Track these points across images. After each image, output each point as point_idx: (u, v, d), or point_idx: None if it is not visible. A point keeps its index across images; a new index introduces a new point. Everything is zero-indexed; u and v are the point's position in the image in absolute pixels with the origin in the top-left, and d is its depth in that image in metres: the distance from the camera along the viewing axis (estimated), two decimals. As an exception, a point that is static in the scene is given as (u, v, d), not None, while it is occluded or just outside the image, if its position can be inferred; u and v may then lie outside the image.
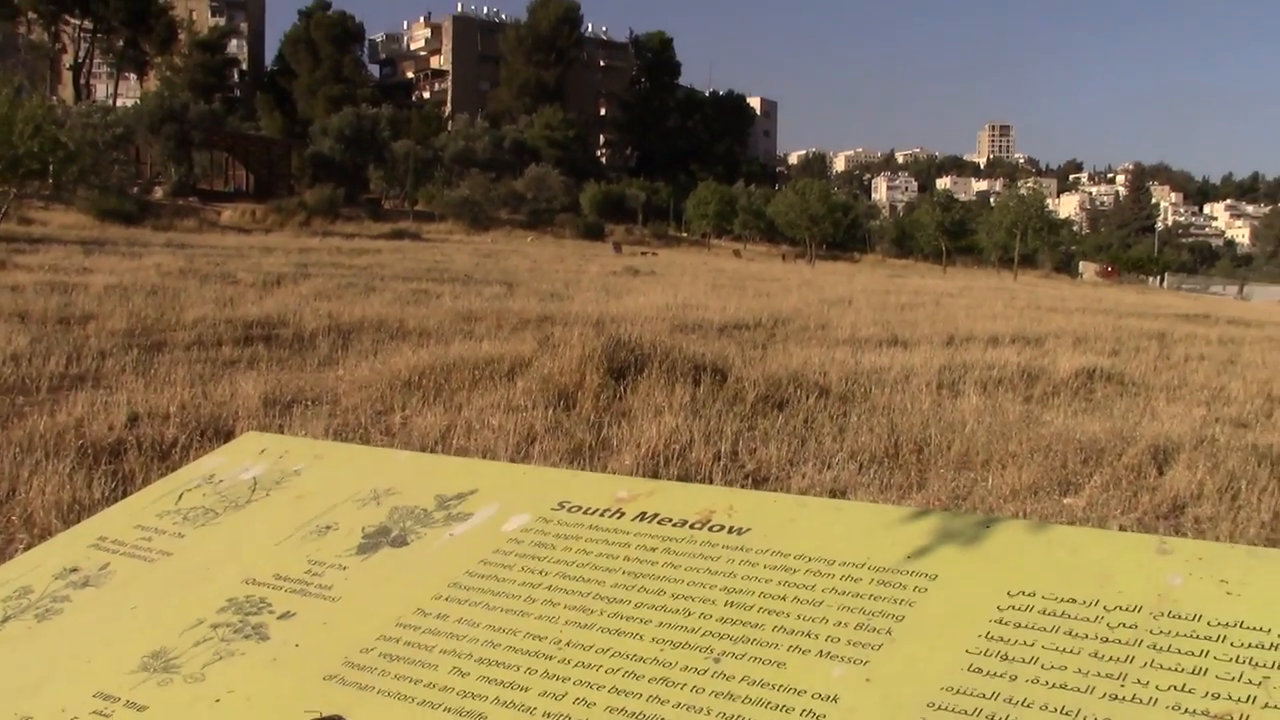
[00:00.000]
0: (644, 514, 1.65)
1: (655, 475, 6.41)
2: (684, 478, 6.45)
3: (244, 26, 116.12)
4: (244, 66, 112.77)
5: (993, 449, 7.36)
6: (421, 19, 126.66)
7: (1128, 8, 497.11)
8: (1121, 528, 5.83)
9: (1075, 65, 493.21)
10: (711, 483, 6.35)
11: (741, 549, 1.47)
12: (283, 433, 7.10)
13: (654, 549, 1.52)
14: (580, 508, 1.70)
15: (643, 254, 55.72)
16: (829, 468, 6.77)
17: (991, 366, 12.04)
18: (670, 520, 1.58)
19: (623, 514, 1.65)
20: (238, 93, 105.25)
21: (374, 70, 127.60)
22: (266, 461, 2.15)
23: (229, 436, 6.34)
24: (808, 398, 8.91)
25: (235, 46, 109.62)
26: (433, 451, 6.83)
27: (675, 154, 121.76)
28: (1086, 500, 6.38)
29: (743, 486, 6.35)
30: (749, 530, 1.51)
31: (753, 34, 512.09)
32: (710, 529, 1.56)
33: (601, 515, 1.68)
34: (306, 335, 11.97)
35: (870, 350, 13.51)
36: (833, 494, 6.28)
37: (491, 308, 15.72)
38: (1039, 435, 7.76)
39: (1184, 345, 17.34)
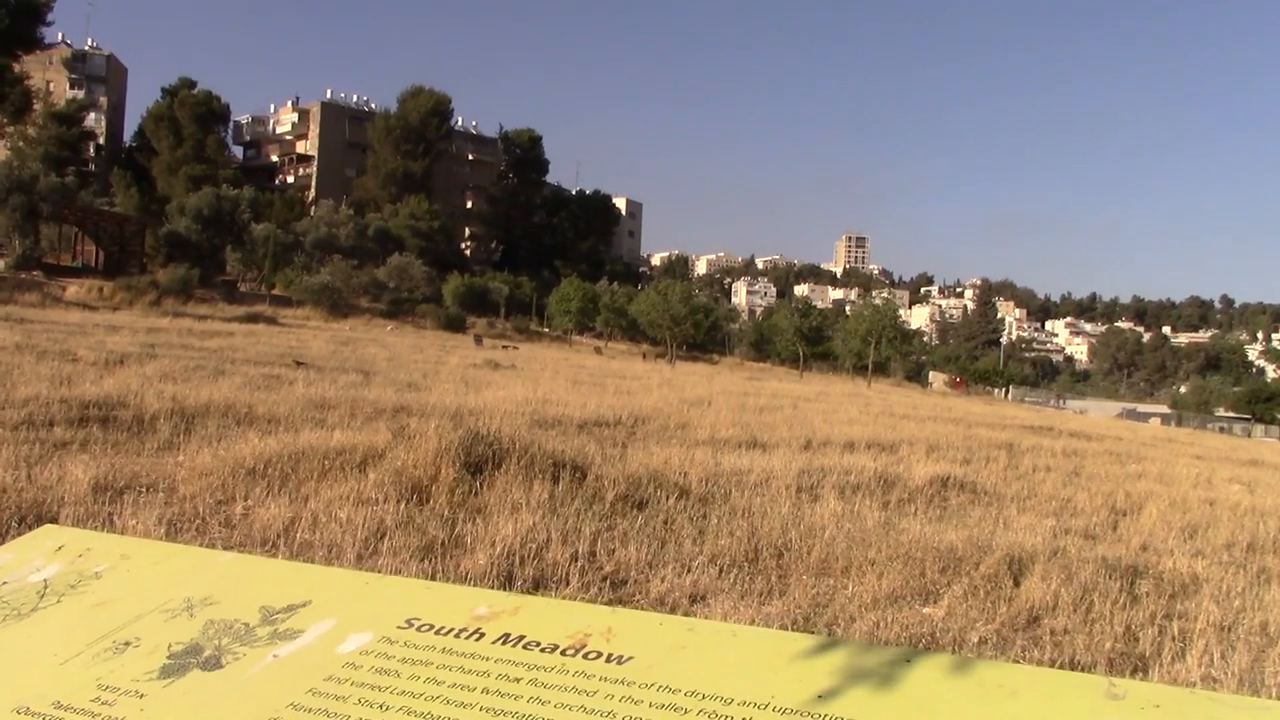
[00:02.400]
0: (507, 636, 1.37)
1: (510, 576, 6.15)
2: (540, 579, 6.21)
3: (104, 100, 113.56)
4: (101, 141, 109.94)
5: (853, 555, 7.29)
6: (289, 103, 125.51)
7: (981, 131, 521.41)
8: (982, 639, 5.77)
9: (929, 182, 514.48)
10: (568, 584, 6.11)
11: (622, 682, 1.24)
12: (113, 522, 6.65)
13: (518, 679, 1.27)
14: (432, 626, 1.42)
15: (504, 347, 55.43)
16: (689, 571, 6.59)
17: (849, 472, 12.08)
18: (538, 644, 1.33)
19: (482, 635, 1.39)
20: (93, 167, 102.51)
21: (237, 151, 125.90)
22: (62, 560, 1.79)
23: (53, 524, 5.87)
24: (668, 498, 8.76)
25: (93, 120, 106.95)
26: (274, 546, 6.46)
27: (540, 250, 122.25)
28: (946, 609, 6.33)
29: (600, 589, 6.13)
30: (631, 659, 1.28)
31: (621, 136, 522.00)
32: (585, 656, 1.31)
33: (457, 636, 1.40)
34: (147, 418, 11.36)
35: (730, 452, 13.46)
36: (692, 599, 6.10)
37: (346, 396, 15.26)
38: (898, 542, 7.72)
39: (1031, 456, 17.73)
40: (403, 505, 7.47)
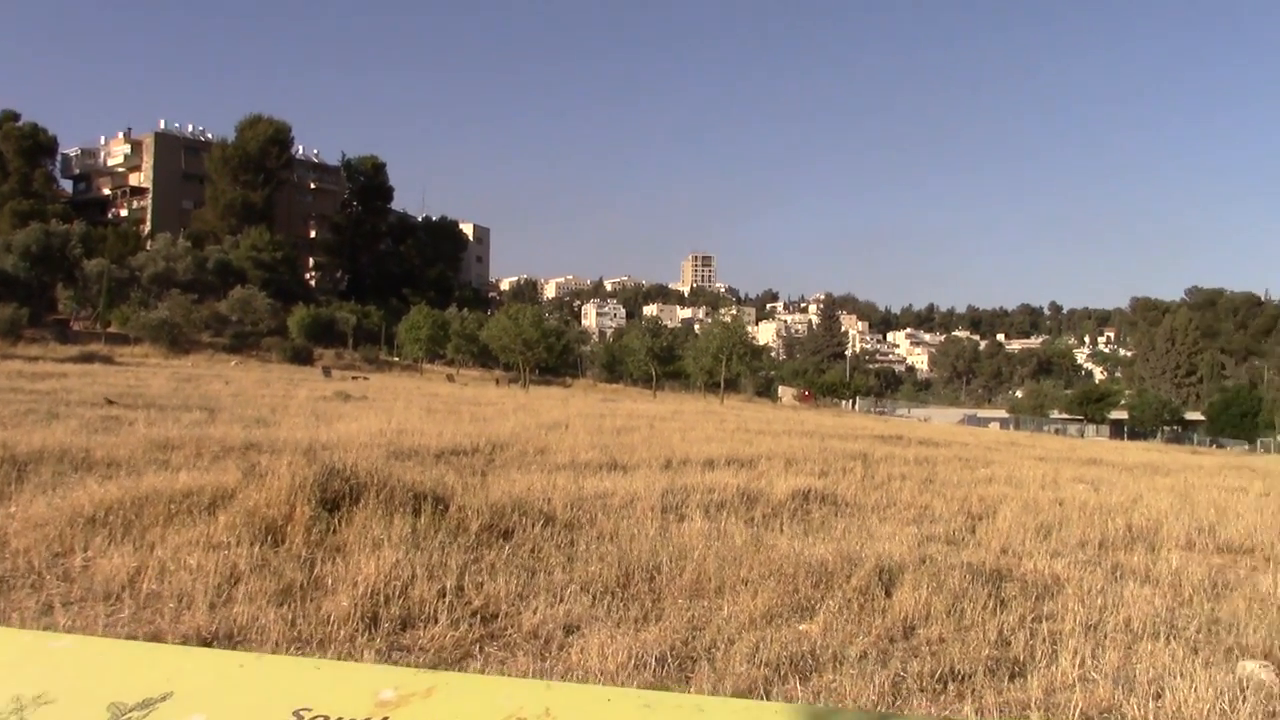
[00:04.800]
0: None
1: (375, 617, 5.87)
2: (406, 618, 5.95)
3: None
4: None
5: (725, 575, 7.21)
6: (121, 134, 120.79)
7: (819, 147, 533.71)
8: (863, 654, 5.72)
9: (771, 199, 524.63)
10: (436, 622, 5.86)
11: None
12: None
13: None
14: (325, 719, 1.16)
15: (354, 378, 54.34)
16: (561, 600, 6.42)
17: (712, 489, 12.06)
18: None
19: None
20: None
21: (67, 185, 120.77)
22: None
23: None
24: (533, 526, 8.57)
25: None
26: (118, 599, 6.04)
27: (387, 278, 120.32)
28: (823, 625, 6.27)
29: (471, 625, 5.90)
30: None
31: (466, 161, 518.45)
32: None
33: None
34: (-27, 468, 10.66)
35: (591, 475, 13.31)
36: (566, 630, 5.92)
37: (190, 435, 14.64)
38: (768, 559, 7.67)
39: (885, 465, 18.03)
40: (257, 548, 7.11)
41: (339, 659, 5.21)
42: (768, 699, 4.89)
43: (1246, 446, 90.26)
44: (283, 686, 1.23)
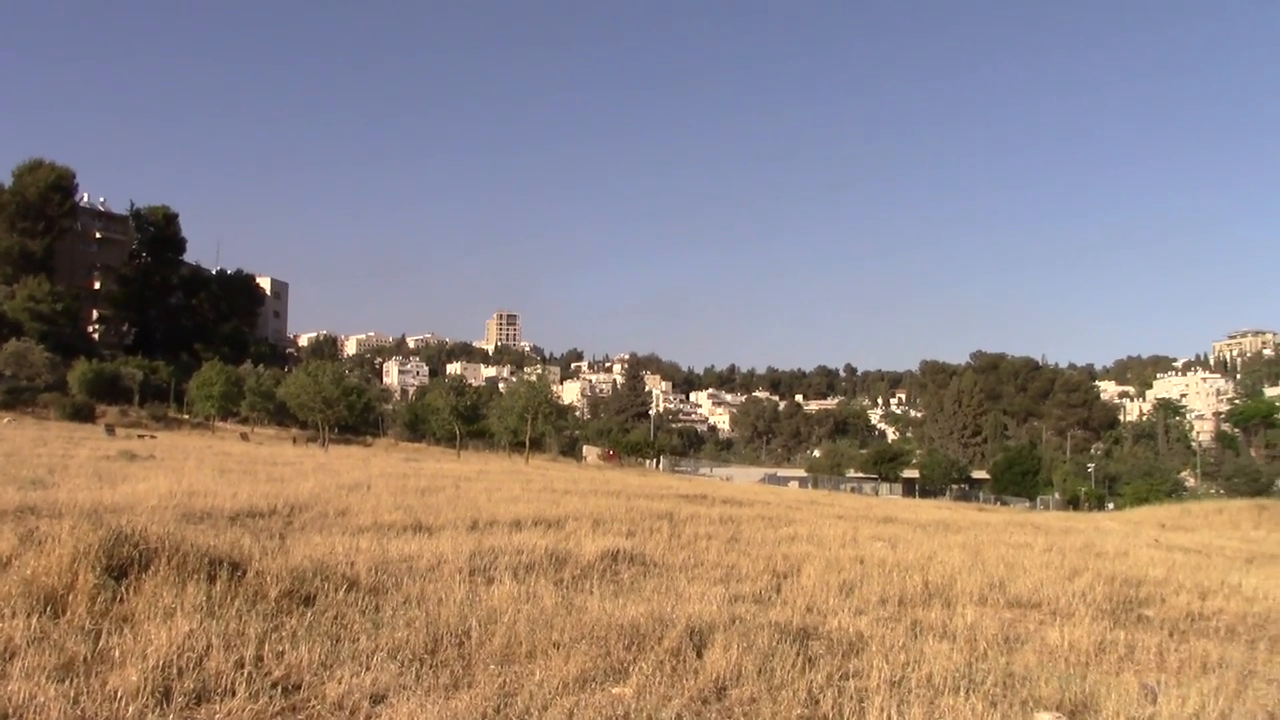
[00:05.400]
0: None
1: (168, 692, 5.53)
2: (202, 691, 5.62)
3: None
4: None
5: (536, 639, 7.10)
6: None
7: (621, 209, 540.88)
8: (678, 716, 5.68)
9: (576, 259, 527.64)
10: (234, 695, 5.56)
11: None
12: None
13: None
14: None
15: (140, 436, 52.01)
16: (367, 669, 6.19)
17: (520, 551, 11.95)
18: None
19: None
20: None
21: None
22: None
23: None
24: (336, 591, 8.29)
25: None
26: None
27: (178, 332, 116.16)
28: (636, 688, 6.22)
29: (271, 697, 5.62)
30: None
31: (264, 213, 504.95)
32: None
33: None
34: None
35: (396, 537, 13.01)
36: (373, 699, 5.70)
37: (-41, 497, 13.66)
38: (580, 622, 7.60)
39: (691, 525, 18.22)
40: (35, 619, 6.64)
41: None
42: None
43: (1028, 503, 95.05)
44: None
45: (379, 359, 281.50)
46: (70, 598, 7.12)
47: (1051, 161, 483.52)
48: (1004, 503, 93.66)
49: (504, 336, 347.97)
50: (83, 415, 69.31)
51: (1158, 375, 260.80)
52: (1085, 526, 32.61)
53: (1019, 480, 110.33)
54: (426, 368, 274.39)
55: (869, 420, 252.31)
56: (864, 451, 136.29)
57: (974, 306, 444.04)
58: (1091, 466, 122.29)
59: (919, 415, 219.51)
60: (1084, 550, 18.98)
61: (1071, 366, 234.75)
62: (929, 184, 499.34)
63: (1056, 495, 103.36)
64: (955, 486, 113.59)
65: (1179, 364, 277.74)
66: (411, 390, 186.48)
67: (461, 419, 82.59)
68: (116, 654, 6.09)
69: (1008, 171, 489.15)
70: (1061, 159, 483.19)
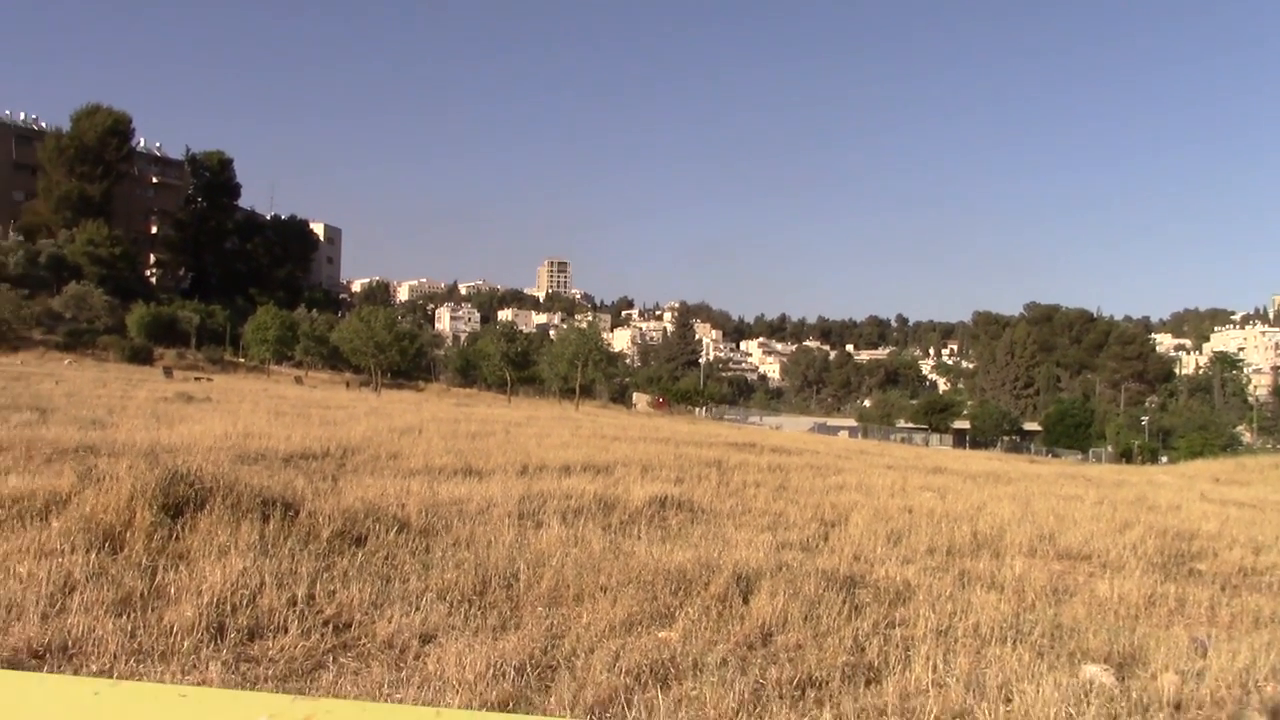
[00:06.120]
0: None
1: (221, 628, 5.63)
2: (255, 628, 5.72)
3: None
4: None
5: (584, 582, 7.14)
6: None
7: (674, 156, 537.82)
8: (723, 661, 5.71)
9: (628, 206, 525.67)
10: (286, 632, 5.65)
11: None
12: None
13: None
14: None
15: (197, 379, 52.74)
16: (417, 609, 6.26)
17: (569, 496, 12.00)
18: None
19: None
20: None
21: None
22: None
23: None
24: (387, 532, 8.38)
25: None
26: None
27: (233, 277, 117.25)
28: (682, 632, 6.25)
29: (323, 635, 5.71)
30: None
31: (317, 158, 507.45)
32: None
33: None
34: None
35: (446, 480, 13.12)
36: (423, 639, 5.77)
37: (20, 436, 13.94)
38: (627, 566, 7.64)
39: (739, 472, 18.22)
40: (94, 555, 6.77)
41: (185, 673, 4.98)
42: (629, 708, 4.85)
43: (1080, 456, 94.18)
44: (143, 717, 1.10)
45: (431, 305, 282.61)
46: (128, 535, 7.26)
47: (1109, 106, 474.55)
48: (1056, 455, 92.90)
49: (555, 284, 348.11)
50: (141, 358, 70.35)
51: (1215, 328, 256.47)
52: (1138, 480, 32.29)
53: (1071, 433, 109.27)
54: (478, 314, 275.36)
55: (920, 371, 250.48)
56: (914, 402, 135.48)
57: (1028, 257, 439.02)
58: (1145, 420, 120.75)
59: (971, 366, 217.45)
60: (1136, 503, 18.80)
61: (1127, 319, 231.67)
62: (984, 129, 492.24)
63: (1109, 448, 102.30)
64: (1006, 438, 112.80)
65: (1237, 317, 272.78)
66: (463, 336, 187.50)
67: (512, 365, 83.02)
68: (172, 590, 6.20)
69: (1064, 116, 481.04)
70: (1119, 103, 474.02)
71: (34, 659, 4.98)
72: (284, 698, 1.19)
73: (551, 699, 4.97)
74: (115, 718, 1.09)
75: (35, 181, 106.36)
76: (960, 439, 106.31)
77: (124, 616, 5.65)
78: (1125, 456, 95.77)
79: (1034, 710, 5.17)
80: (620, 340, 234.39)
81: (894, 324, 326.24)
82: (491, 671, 5.19)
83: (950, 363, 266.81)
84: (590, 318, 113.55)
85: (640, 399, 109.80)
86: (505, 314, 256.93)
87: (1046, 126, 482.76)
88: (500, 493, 11.74)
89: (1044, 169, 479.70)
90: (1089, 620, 7.58)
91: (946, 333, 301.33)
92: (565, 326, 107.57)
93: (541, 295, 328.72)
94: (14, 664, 4.84)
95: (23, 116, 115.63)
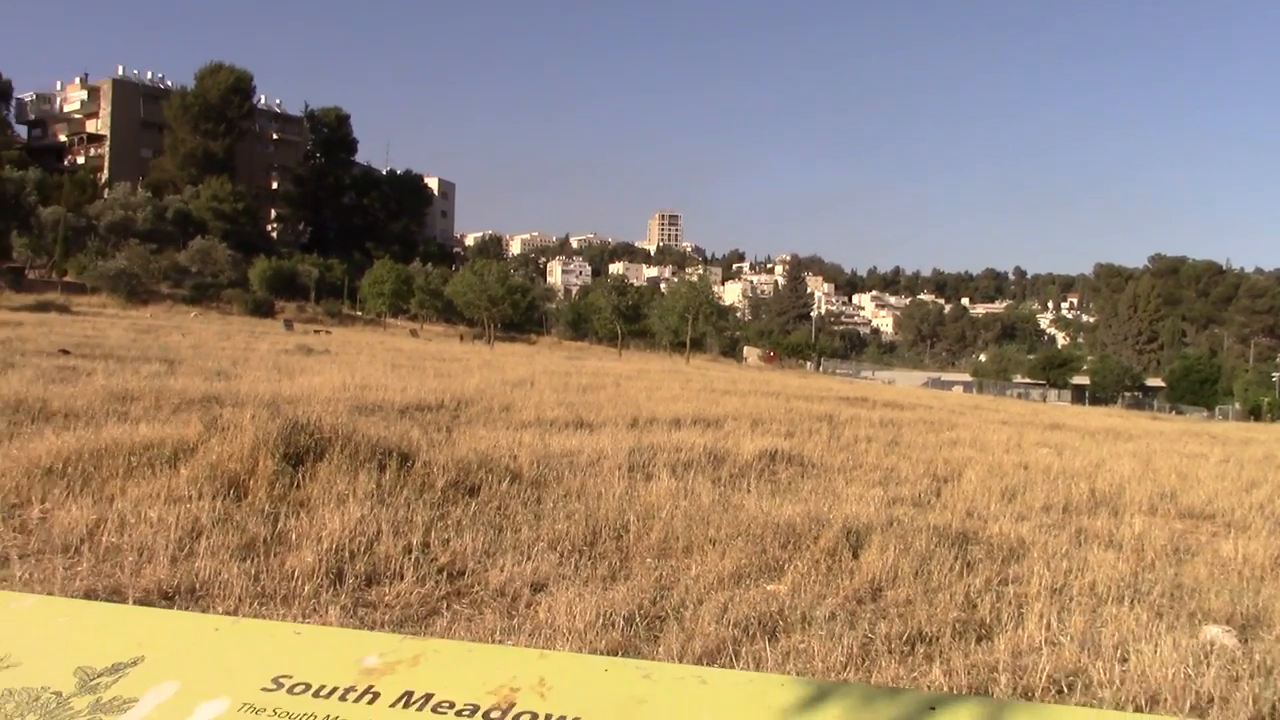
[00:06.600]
0: (409, 695, 1.04)
1: (340, 573, 5.80)
2: (372, 574, 5.88)
3: None
4: None
5: (693, 534, 7.18)
6: (77, 80, 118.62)
7: (786, 108, 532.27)
8: (832, 615, 5.70)
9: (739, 159, 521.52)
10: (403, 578, 5.80)
11: None
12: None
13: None
14: (308, 686, 1.08)
15: (316, 332, 53.98)
16: (528, 558, 6.36)
17: (679, 449, 12.03)
18: (452, 706, 1.00)
19: (376, 695, 1.05)
20: None
21: (21, 131, 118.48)
22: None
23: None
24: (500, 483, 8.51)
25: None
26: (77, 552, 5.94)
27: (350, 231, 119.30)
28: (791, 585, 6.26)
29: (437, 582, 5.84)
30: None
31: (432, 114, 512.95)
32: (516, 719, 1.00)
33: (343, 698, 1.07)
34: (-73, 416, 10.47)
35: (558, 433, 13.26)
36: (534, 587, 5.87)
37: (150, 387, 14.43)
38: (736, 519, 7.65)
39: (851, 427, 18.07)
40: (219, 501, 7.02)
41: (305, 616, 5.15)
42: (736, 659, 4.88)
43: (1205, 413, 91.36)
44: (260, 652, 1.16)
45: (543, 258, 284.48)
46: (251, 482, 7.49)
47: (1237, 45, 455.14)
48: (1179, 412, 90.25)
49: (666, 237, 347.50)
50: (262, 310, 72.24)
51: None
52: (1266, 438, 31.23)
53: (1196, 389, 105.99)
54: (589, 267, 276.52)
55: (1038, 325, 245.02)
56: (1032, 357, 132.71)
57: (1153, 206, 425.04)
58: (1276, 376, 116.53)
59: (1091, 320, 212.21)
60: (1264, 462, 18.19)
61: (1258, 271, 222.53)
62: (1106, 72, 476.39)
63: (1236, 405, 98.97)
64: (1127, 394, 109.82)
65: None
66: (574, 290, 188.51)
67: (623, 318, 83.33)
68: (293, 536, 6.40)
69: (1192, 56, 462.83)
70: (1247, 40, 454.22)
71: (164, 600, 5.19)
72: (394, 637, 1.24)
73: (660, 649, 5.02)
74: (234, 652, 1.16)
75: (162, 139, 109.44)
76: (1079, 395, 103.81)
77: (248, 561, 5.85)
78: (1253, 414, 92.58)
79: (1151, 670, 5.06)
80: (731, 294, 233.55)
81: (1011, 277, 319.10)
82: (601, 621, 5.26)
83: (1070, 317, 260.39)
84: (701, 271, 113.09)
85: (751, 353, 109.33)
86: (616, 267, 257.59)
87: (1173, 68, 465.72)
88: (611, 445, 11.82)
89: (1172, 113, 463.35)
90: (1211, 581, 7.38)
91: (1066, 286, 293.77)
92: (676, 280, 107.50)
93: (652, 248, 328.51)
94: (145, 604, 5.04)
95: (149, 76, 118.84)
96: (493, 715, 1.01)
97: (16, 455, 8.16)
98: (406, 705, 1.05)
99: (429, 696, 1.05)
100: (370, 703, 1.07)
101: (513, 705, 1.03)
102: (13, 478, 7.48)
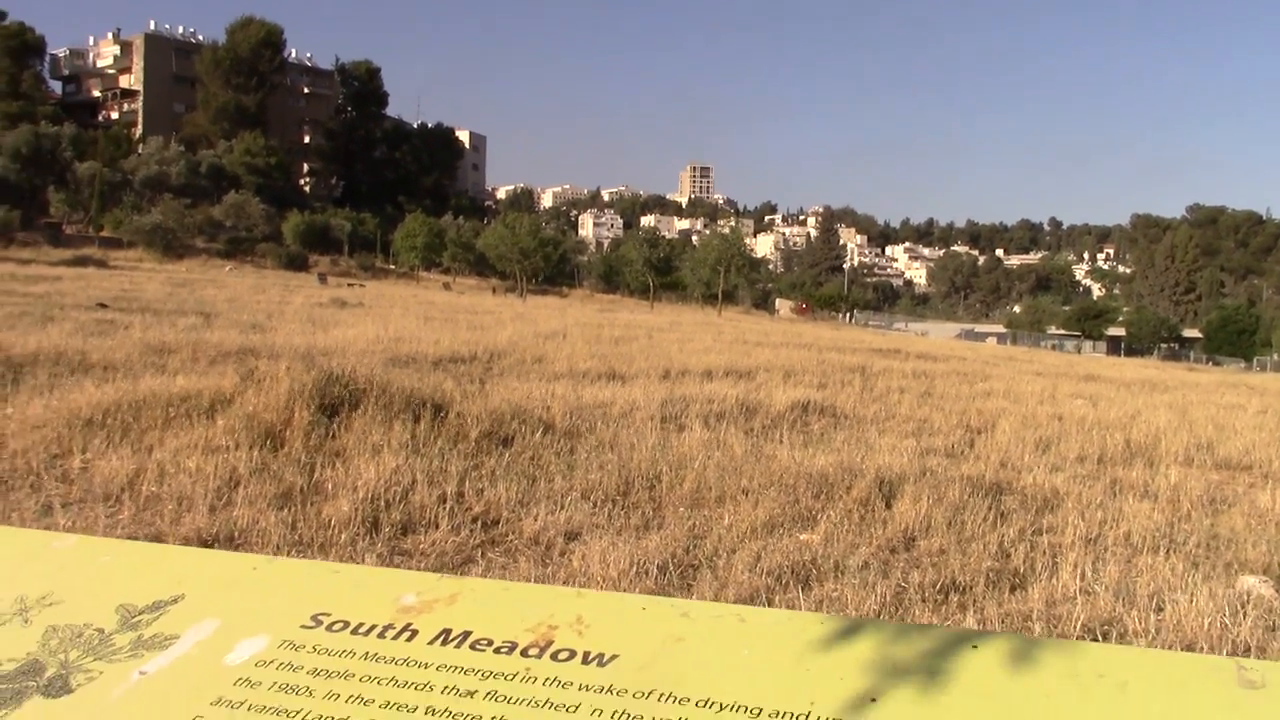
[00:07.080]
0: (447, 633, 1.06)
1: (376, 522, 5.86)
2: (407, 523, 5.93)
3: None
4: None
5: (725, 484, 7.19)
6: (110, 35, 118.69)
7: (817, 58, 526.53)
8: (865, 564, 5.71)
9: (770, 110, 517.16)
10: (438, 527, 5.85)
11: (609, 690, 0.93)
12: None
13: (471, 692, 0.94)
14: (347, 623, 1.10)
15: (349, 285, 54.16)
16: (561, 508, 6.40)
17: (711, 400, 12.03)
18: (490, 643, 1.01)
19: (415, 632, 1.07)
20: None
21: (56, 87, 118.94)
22: None
23: None
24: (533, 433, 8.54)
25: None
26: (118, 501, 6.02)
27: (382, 185, 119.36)
28: (824, 535, 6.27)
29: (471, 531, 5.89)
30: (614, 658, 0.98)
31: (462, 68, 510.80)
32: (554, 657, 1.01)
33: (381, 635, 1.08)
34: (-32, 369, 10.61)
35: (590, 384, 13.29)
36: (568, 536, 5.91)
37: (187, 339, 14.56)
38: (768, 469, 7.66)
39: (883, 379, 18.00)
40: (256, 451, 7.08)
41: (342, 562, 5.20)
42: (770, 605, 4.89)
43: (1243, 364, 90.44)
44: (299, 590, 1.18)
45: (574, 211, 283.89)
46: (287, 433, 7.56)
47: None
48: (1217, 363, 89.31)
49: (697, 189, 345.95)
50: (296, 264, 72.54)
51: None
52: (1305, 389, 30.93)
53: (1234, 340, 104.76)
54: (620, 220, 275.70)
55: (1073, 276, 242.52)
56: (1067, 308, 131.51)
57: (1192, 157, 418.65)
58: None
59: (1127, 271, 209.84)
60: (1302, 413, 18.01)
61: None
62: (1143, 19, 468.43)
63: (1276, 356, 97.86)
64: (1164, 345, 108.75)
65: None
66: (606, 242, 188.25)
67: (655, 271, 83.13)
68: (329, 486, 6.46)
69: (1227, 5, 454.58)
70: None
71: (203, 547, 5.26)
72: (431, 576, 1.25)
73: (694, 596, 5.05)
74: (272, 590, 1.18)
75: (194, 94, 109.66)
76: (1114, 346, 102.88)
77: (285, 510, 5.91)
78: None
79: (1186, 620, 5.05)
80: (763, 246, 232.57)
81: (1047, 228, 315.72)
82: (635, 569, 5.29)
83: (1106, 267, 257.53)
84: (733, 223, 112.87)
85: (783, 305, 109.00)
86: (648, 220, 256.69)
87: (1212, 15, 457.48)
88: (643, 396, 11.84)
89: (1210, 61, 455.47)
90: (1248, 531, 7.33)
91: (1102, 236, 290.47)
92: (708, 232, 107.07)
93: (684, 201, 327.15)
94: (185, 553, 5.12)
95: (181, 30, 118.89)
96: (530, 652, 1.02)
97: (57, 407, 8.27)
98: (444, 642, 1.06)
99: (467, 634, 1.06)
100: (409, 640, 1.08)
101: (550, 643, 1.03)
102: (54, 428, 7.58)
